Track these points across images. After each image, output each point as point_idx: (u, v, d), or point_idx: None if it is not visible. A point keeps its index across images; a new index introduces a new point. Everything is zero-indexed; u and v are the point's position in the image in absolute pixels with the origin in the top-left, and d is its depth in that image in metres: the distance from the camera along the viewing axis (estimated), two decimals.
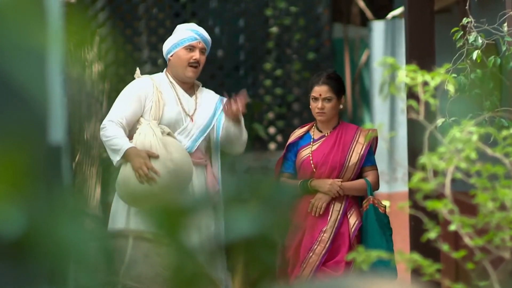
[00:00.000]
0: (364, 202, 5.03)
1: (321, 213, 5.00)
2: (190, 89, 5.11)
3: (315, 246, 4.97)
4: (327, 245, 4.96)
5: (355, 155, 5.05)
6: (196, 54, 5.01)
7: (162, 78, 5.05)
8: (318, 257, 4.96)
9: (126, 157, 4.74)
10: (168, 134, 4.87)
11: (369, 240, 4.95)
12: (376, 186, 5.09)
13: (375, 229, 4.95)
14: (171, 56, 5.04)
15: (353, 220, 4.99)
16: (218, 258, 4.87)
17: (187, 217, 1.79)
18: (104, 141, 4.83)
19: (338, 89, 5.10)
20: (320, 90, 5.08)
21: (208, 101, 5.10)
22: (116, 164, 4.80)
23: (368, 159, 5.08)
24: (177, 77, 5.04)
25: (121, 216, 4.87)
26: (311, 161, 5.07)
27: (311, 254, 4.97)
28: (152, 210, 1.78)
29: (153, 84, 4.98)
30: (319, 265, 4.96)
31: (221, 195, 4.94)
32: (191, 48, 5.01)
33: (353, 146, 5.06)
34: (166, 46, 5.07)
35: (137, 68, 5.11)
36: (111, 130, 4.79)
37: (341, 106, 5.14)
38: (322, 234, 4.98)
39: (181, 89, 5.05)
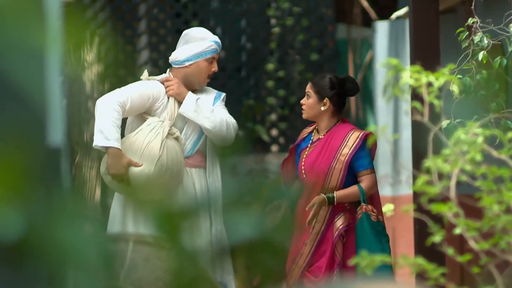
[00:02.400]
0: (358, 209, 4.95)
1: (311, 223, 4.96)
2: (193, 91, 5.09)
3: (298, 258, 4.96)
4: (307, 258, 4.94)
5: (340, 162, 4.95)
6: (216, 66, 5.04)
7: None
8: (300, 269, 4.95)
9: (108, 152, 4.70)
10: (176, 138, 4.85)
11: (365, 248, 4.88)
12: (370, 191, 4.96)
13: (370, 237, 4.89)
14: (190, 64, 4.99)
15: (338, 223, 4.94)
16: (221, 261, 4.85)
17: (188, 220, 1.77)
18: (98, 114, 4.73)
19: (320, 87, 5.01)
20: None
21: (207, 101, 5.07)
22: (94, 146, 4.75)
23: (361, 163, 4.97)
24: (187, 83, 5.00)
25: (118, 219, 4.85)
26: (303, 168, 5.03)
27: (293, 266, 4.96)
28: (152, 214, 1.77)
29: (164, 88, 4.95)
30: (301, 276, 4.94)
31: (217, 198, 4.92)
32: (211, 60, 4.99)
33: (340, 152, 4.96)
34: (186, 53, 4.98)
35: (145, 70, 5.08)
36: (112, 111, 4.71)
37: (323, 108, 5.01)
38: (304, 247, 4.95)
39: None
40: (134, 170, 4.69)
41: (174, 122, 4.91)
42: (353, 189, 4.95)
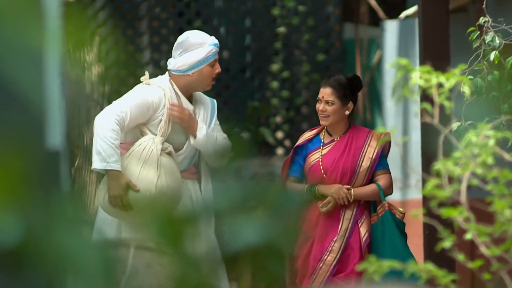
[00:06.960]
0: (378, 208, 4.99)
1: (327, 211, 4.92)
2: (190, 96, 5.06)
3: (325, 256, 4.93)
4: (337, 255, 4.93)
5: (366, 160, 5.01)
6: (219, 67, 5.01)
7: (168, 88, 4.95)
8: (329, 267, 4.92)
9: (107, 174, 4.69)
10: (169, 153, 4.80)
11: (387, 246, 4.87)
12: (388, 190, 5.04)
13: (395, 234, 4.89)
14: (193, 73, 4.93)
15: (364, 230, 4.96)
16: (215, 269, 4.81)
17: (190, 227, 1.73)
18: (96, 134, 4.71)
19: (342, 93, 5.02)
20: (323, 92, 5.05)
21: (204, 109, 5.06)
22: (93, 168, 4.74)
23: (380, 162, 5.03)
24: (190, 89, 4.97)
25: (112, 224, 4.80)
26: (321, 166, 5.01)
27: (321, 264, 4.92)
28: (154, 219, 1.73)
29: (165, 96, 4.90)
30: (330, 276, 4.90)
31: (209, 206, 4.89)
32: (214, 63, 4.98)
33: (365, 151, 5.03)
34: (188, 62, 4.91)
35: (146, 72, 5.02)
36: (110, 132, 4.69)
37: (347, 112, 5.06)
38: (332, 244, 4.95)
39: (185, 99, 4.99)
40: (135, 194, 4.65)
41: (174, 135, 4.87)
42: (371, 186, 5.00)
